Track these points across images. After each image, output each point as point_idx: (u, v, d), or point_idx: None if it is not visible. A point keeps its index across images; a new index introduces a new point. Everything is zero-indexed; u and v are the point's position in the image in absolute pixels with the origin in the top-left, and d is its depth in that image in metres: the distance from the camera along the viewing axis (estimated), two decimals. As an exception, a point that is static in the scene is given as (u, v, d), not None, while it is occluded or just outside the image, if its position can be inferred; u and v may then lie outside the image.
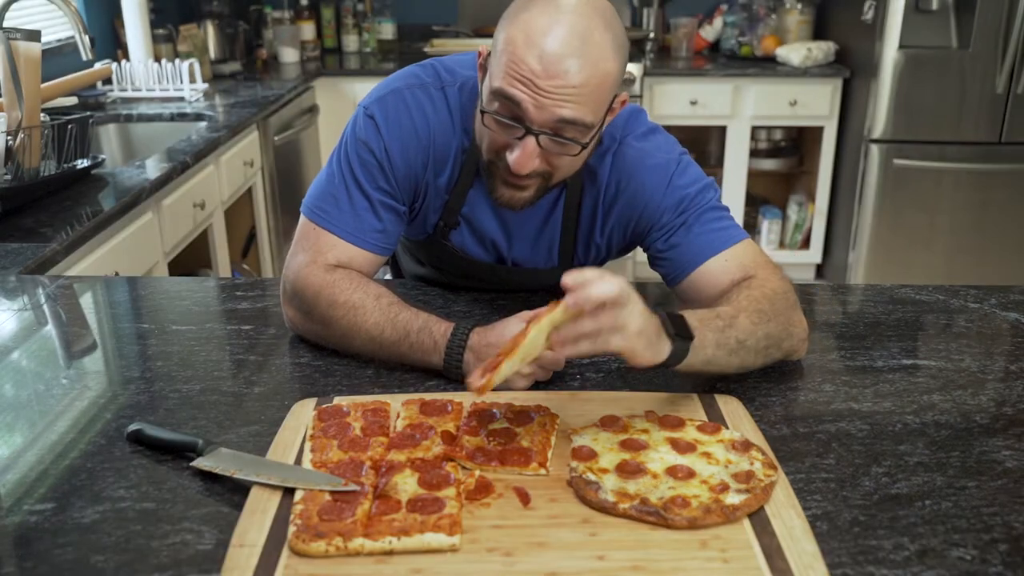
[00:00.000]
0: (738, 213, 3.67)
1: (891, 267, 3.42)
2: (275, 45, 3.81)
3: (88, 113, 2.07)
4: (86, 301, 1.40)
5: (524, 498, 0.84)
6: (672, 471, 0.87)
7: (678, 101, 3.53)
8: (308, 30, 3.86)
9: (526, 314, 0.98)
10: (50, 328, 1.29)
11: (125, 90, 2.99)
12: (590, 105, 1.03)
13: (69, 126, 1.95)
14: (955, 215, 3.33)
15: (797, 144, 3.86)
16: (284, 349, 1.19)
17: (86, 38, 2.12)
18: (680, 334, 0.95)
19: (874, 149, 3.29)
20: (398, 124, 1.18)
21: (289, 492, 0.84)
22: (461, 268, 1.34)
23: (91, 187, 1.94)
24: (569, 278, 0.86)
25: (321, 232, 1.18)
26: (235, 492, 0.86)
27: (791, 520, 0.80)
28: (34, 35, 1.85)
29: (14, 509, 0.84)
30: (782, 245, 3.83)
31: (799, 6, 3.66)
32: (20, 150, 1.79)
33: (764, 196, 3.95)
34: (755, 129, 3.66)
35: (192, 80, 3.00)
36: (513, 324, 1.04)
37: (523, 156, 1.05)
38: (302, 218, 1.22)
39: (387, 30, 4.01)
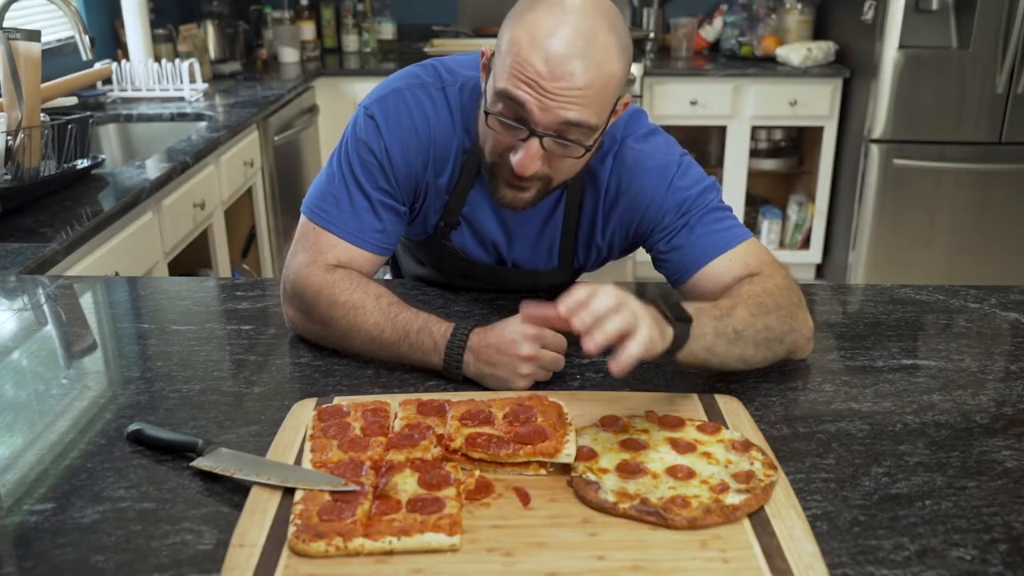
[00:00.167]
0: (738, 213, 3.65)
1: (891, 267, 3.42)
2: (275, 45, 3.81)
3: (88, 113, 2.07)
4: (86, 301, 1.40)
5: (524, 498, 0.84)
6: (672, 471, 0.87)
7: (678, 101, 3.53)
8: (308, 30, 3.86)
9: (528, 311, 0.97)
10: (50, 328, 1.29)
11: (125, 90, 2.99)
12: (594, 107, 1.03)
13: (69, 126, 1.95)
14: (955, 215, 3.33)
15: (797, 144, 3.86)
16: (284, 349, 1.19)
17: (86, 38, 2.12)
18: (679, 317, 0.96)
19: (874, 149, 3.29)
20: (398, 124, 1.18)
21: (289, 492, 0.84)
22: (461, 269, 1.34)
23: (91, 187, 1.94)
24: (563, 307, 0.87)
25: (321, 232, 1.18)
26: (235, 492, 0.86)
27: (791, 520, 0.80)
28: (34, 35, 1.85)
29: (14, 509, 0.84)
30: (782, 245, 3.83)
31: (799, 6, 3.66)
32: (20, 150, 1.79)
33: (764, 196, 3.95)
34: (755, 129, 3.66)
35: (192, 80, 3.00)
36: (513, 324, 1.04)
37: (527, 158, 1.05)
38: (302, 218, 1.21)
39: (387, 30, 4.01)
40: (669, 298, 0.98)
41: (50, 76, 2.33)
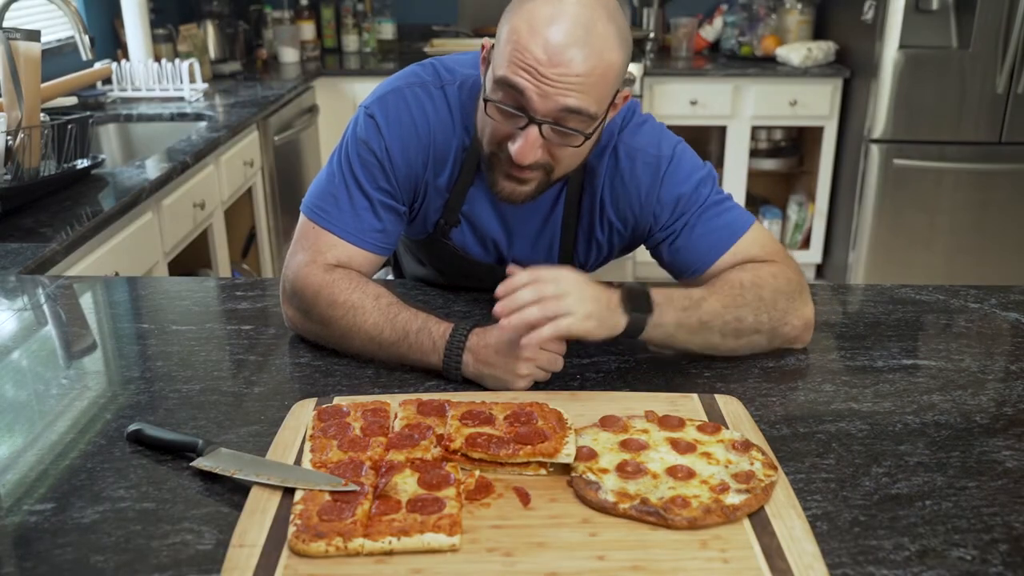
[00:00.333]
0: (738, 213, 3.66)
1: (891, 267, 3.42)
2: (275, 45, 3.81)
3: (88, 113, 2.07)
4: (86, 301, 1.40)
5: (524, 498, 0.84)
6: (672, 471, 0.87)
7: (678, 101, 3.53)
8: (308, 30, 3.86)
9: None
10: (50, 328, 1.29)
11: (125, 90, 2.99)
12: (594, 95, 1.03)
13: (69, 126, 1.95)
14: (955, 215, 3.33)
15: (797, 144, 3.86)
16: (284, 349, 1.19)
17: (86, 38, 2.12)
18: (638, 309, 1.05)
19: (874, 149, 3.29)
20: (398, 123, 1.18)
21: (289, 492, 0.84)
22: (461, 268, 1.34)
23: (91, 187, 1.94)
24: (500, 289, 1.00)
25: (321, 232, 1.18)
26: (235, 492, 0.86)
27: (791, 520, 0.80)
28: (34, 35, 1.84)
29: (14, 509, 0.84)
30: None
31: (799, 6, 3.66)
32: (20, 150, 1.79)
33: (764, 196, 3.95)
34: (755, 129, 3.66)
35: (192, 80, 3.00)
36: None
37: (526, 146, 1.05)
38: (302, 217, 1.21)
39: (387, 30, 4.01)
40: (633, 289, 1.06)
41: (50, 76, 2.33)
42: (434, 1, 4.08)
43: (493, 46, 1.09)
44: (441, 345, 1.07)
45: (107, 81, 3.01)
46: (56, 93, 2.44)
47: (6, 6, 2.00)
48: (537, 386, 1.06)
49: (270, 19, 3.86)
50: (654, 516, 0.80)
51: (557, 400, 1.00)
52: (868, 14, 3.25)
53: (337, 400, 1.01)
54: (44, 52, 1.97)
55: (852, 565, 0.76)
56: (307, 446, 0.91)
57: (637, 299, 1.05)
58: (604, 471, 0.87)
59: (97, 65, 2.84)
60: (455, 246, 1.30)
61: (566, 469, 0.88)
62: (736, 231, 1.17)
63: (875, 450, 0.94)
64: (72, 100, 2.70)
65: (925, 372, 1.12)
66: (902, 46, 3.14)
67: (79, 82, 2.58)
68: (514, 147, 1.06)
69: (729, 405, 1.01)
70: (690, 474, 0.86)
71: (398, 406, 0.99)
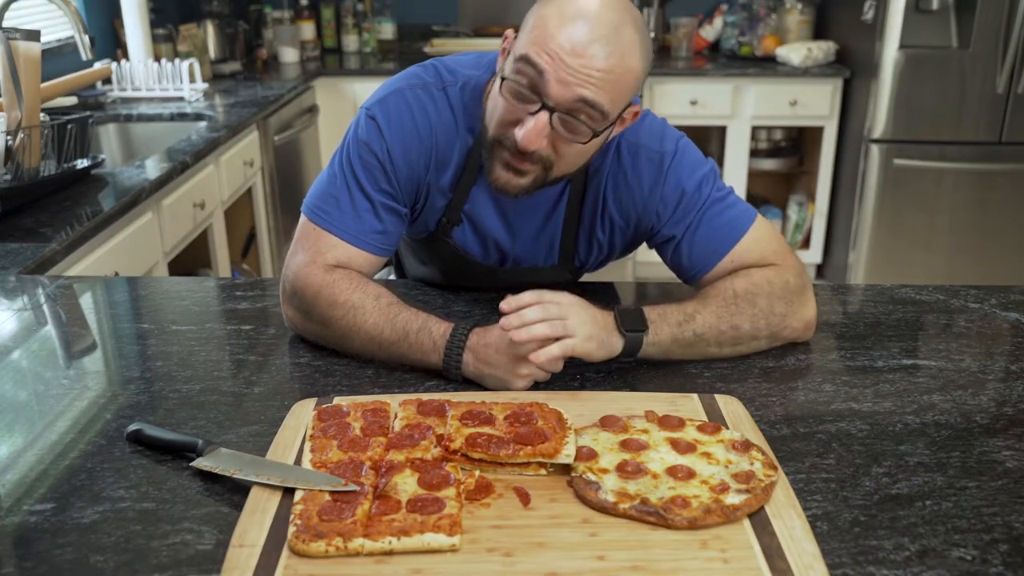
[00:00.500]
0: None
1: (891, 267, 3.42)
2: (275, 45, 3.81)
3: (88, 113, 2.07)
4: (86, 301, 1.40)
5: (524, 498, 0.84)
6: (672, 471, 0.87)
7: (678, 101, 3.53)
8: (308, 30, 3.86)
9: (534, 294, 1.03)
10: (50, 328, 1.29)
11: (125, 90, 2.99)
12: (610, 93, 1.04)
13: (69, 126, 1.95)
14: (955, 215, 3.33)
15: (797, 144, 3.86)
16: (284, 349, 1.19)
17: (86, 38, 2.12)
18: (633, 329, 1.07)
19: (874, 149, 3.29)
20: (400, 125, 1.18)
21: (289, 492, 0.84)
22: (462, 268, 1.34)
23: (91, 187, 1.94)
24: (505, 305, 1.01)
25: (321, 232, 1.18)
26: (235, 492, 0.86)
27: (791, 520, 0.80)
28: (34, 35, 1.84)
29: (14, 509, 0.84)
30: (782, 245, 3.82)
31: (799, 6, 3.66)
32: (20, 150, 1.79)
33: (764, 196, 3.95)
34: (755, 129, 3.66)
35: (192, 80, 3.00)
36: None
37: (533, 131, 1.05)
38: (302, 218, 1.21)
39: (387, 30, 4.01)
40: (626, 310, 1.09)
41: (50, 76, 2.33)
42: (434, 1, 4.08)
43: (516, 37, 1.09)
44: (441, 345, 1.07)
45: (107, 81, 3.01)
46: (56, 93, 2.44)
47: (6, 6, 2.00)
48: (537, 386, 1.06)
49: (270, 19, 3.86)
50: (654, 516, 0.80)
51: (557, 400, 1.00)
52: (868, 14, 3.25)
53: (337, 400, 1.01)
54: (44, 52, 1.97)
55: (852, 565, 0.76)
56: (307, 446, 0.91)
57: (631, 319, 1.08)
58: (604, 471, 0.87)
59: (97, 65, 2.84)
60: (456, 245, 1.30)
61: (566, 469, 0.88)
62: (739, 229, 1.18)
63: (875, 450, 0.94)
64: (72, 100, 2.70)
65: (925, 372, 1.12)
66: (902, 46, 3.14)
67: (79, 82, 2.58)
68: (520, 132, 1.06)
69: (729, 405, 1.01)
70: (690, 474, 0.86)
71: (398, 406, 0.99)
